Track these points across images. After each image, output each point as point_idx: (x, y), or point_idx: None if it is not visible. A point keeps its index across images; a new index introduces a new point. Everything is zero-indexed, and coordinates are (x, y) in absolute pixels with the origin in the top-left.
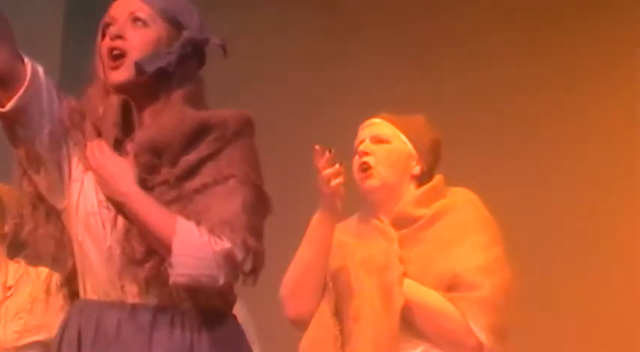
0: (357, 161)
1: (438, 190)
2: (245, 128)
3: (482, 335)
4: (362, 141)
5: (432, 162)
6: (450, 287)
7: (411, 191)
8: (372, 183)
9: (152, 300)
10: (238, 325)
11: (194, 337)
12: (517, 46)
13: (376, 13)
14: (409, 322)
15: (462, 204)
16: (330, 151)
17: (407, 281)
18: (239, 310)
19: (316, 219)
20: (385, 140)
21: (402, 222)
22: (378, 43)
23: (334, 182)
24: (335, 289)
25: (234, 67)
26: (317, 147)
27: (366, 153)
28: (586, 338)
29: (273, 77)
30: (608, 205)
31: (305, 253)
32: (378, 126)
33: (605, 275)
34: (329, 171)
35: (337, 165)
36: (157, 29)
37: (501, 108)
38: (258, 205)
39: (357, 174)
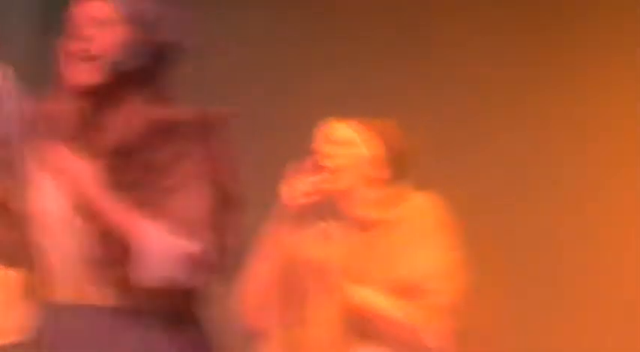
0: (316, 162)
1: (400, 195)
2: (212, 126)
3: (439, 342)
4: (328, 141)
5: (400, 169)
6: (408, 293)
7: (372, 195)
8: (331, 185)
9: (115, 302)
10: (205, 328)
11: (155, 340)
12: (495, 45)
13: (351, 15)
14: (366, 328)
15: (423, 209)
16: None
17: (362, 288)
18: None
19: (275, 230)
20: (349, 143)
21: (361, 226)
22: (352, 44)
23: (309, 197)
24: (280, 293)
25: (206, 66)
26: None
27: (327, 156)
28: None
29: (247, 78)
30: (586, 206)
31: (263, 266)
32: (346, 129)
33: (579, 276)
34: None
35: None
36: (123, 32)
37: (471, 106)
38: (226, 204)
39: (315, 176)
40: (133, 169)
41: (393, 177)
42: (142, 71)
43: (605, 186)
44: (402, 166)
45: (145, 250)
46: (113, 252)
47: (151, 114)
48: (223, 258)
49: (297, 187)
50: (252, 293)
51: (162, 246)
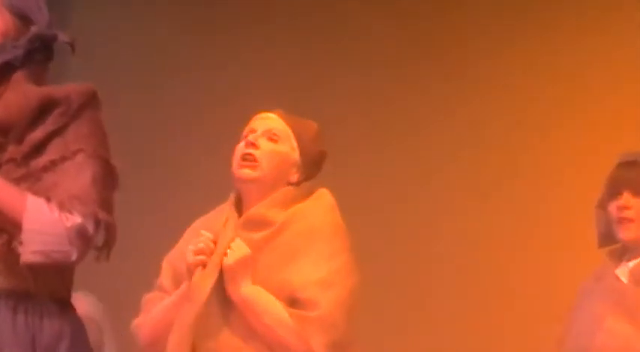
0: (241, 148)
1: (297, 193)
2: (90, 101)
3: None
4: (253, 131)
5: (312, 173)
6: (290, 302)
7: (276, 194)
8: (250, 173)
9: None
10: (78, 317)
11: (36, 325)
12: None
13: (269, 9)
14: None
15: (314, 209)
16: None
17: (255, 287)
18: (94, 307)
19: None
20: (276, 138)
21: (254, 225)
22: (266, 39)
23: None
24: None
25: (118, 62)
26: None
27: (254, 146)
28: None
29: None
30: (482, 209)
31: (172, 309)
32: (273, 121)
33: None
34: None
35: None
36: (4, 22)
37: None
38: (108, 179)
39: (236, 161)
40: (13, 146)
41: (301, 180)
42: (24, 64)
43: (530, 189)
44: (315, 173)
45: (34, 225)
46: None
47: (30, 90)
48: (109, 230)
49: (194, 247)
50: (160, 335)
51: (50, 221)
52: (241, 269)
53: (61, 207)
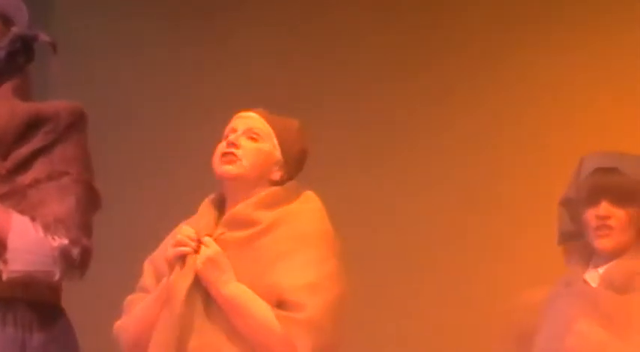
0: (222, 147)
1: (284, 195)
2: (78, 121)
3: None
4: (234, 131)
5: (294, 171)
6: (278, 304)
7: (259, 194)
8: (232, 169)
9: None
10: (70, 323)
11: (26, 335)
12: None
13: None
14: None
15: (303, 213)
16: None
17: (240, 286)
18: None
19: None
20: (257, 138)
21: (237, 223)
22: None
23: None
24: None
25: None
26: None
27: (235, 145)
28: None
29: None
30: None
31: (152, 307)
32: (254, 120)
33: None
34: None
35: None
36: None
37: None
38: (90, 203)
39: (218, 159)
40: None
41: (284, 179)
42: (6, 65)
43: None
44: (298, 171)
45: (19, 244)
46: None
47: (18, 106)
48: (87, 254)
49: (175, 239)
50: (132, 329)
51: (36, 240)
52: (212, 268)
53: (46, 228)
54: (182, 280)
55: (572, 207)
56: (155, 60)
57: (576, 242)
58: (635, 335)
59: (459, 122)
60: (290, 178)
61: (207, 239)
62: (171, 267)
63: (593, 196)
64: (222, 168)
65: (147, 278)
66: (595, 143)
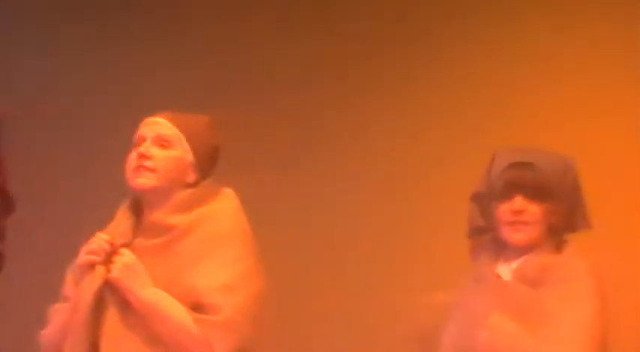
0: (133, 159)
1: (199, 196)
2: None
3: None
4: (143, 139)
5: (208, 169)
6: (195, 306)
7: (174, 198)
8: (146, 181)
9: None
10: None
11: None
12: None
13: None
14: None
15: (219, 213)
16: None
17: (158, 291)
18: None
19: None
20: (167, 145)
21: (154, 231)
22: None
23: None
24: None
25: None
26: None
27: (146, 157)
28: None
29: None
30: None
31: (67, 316)
32: (162, 126)
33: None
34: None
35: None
36: None
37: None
38: (3, 208)
39: (130, 172)
40: None
41: (199, 179)
42: None
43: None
44: (212, 168)
45: None
46: None
47: None
48: (1, 259)
49: (87, 246)
50: (51, 338)
51: None
52: (127, 275)
53: None
54: (88, 287)
55: (483, 201)
56: (76, 61)
57: (483, 237)
58: (548, 328)
59: (376, 120)
60: (205, 177)
61: (123, 250)
62: (83, 274)
63: (508, 191)
64: (136, 181)
65: (68, 288)
66: (513, 140)
